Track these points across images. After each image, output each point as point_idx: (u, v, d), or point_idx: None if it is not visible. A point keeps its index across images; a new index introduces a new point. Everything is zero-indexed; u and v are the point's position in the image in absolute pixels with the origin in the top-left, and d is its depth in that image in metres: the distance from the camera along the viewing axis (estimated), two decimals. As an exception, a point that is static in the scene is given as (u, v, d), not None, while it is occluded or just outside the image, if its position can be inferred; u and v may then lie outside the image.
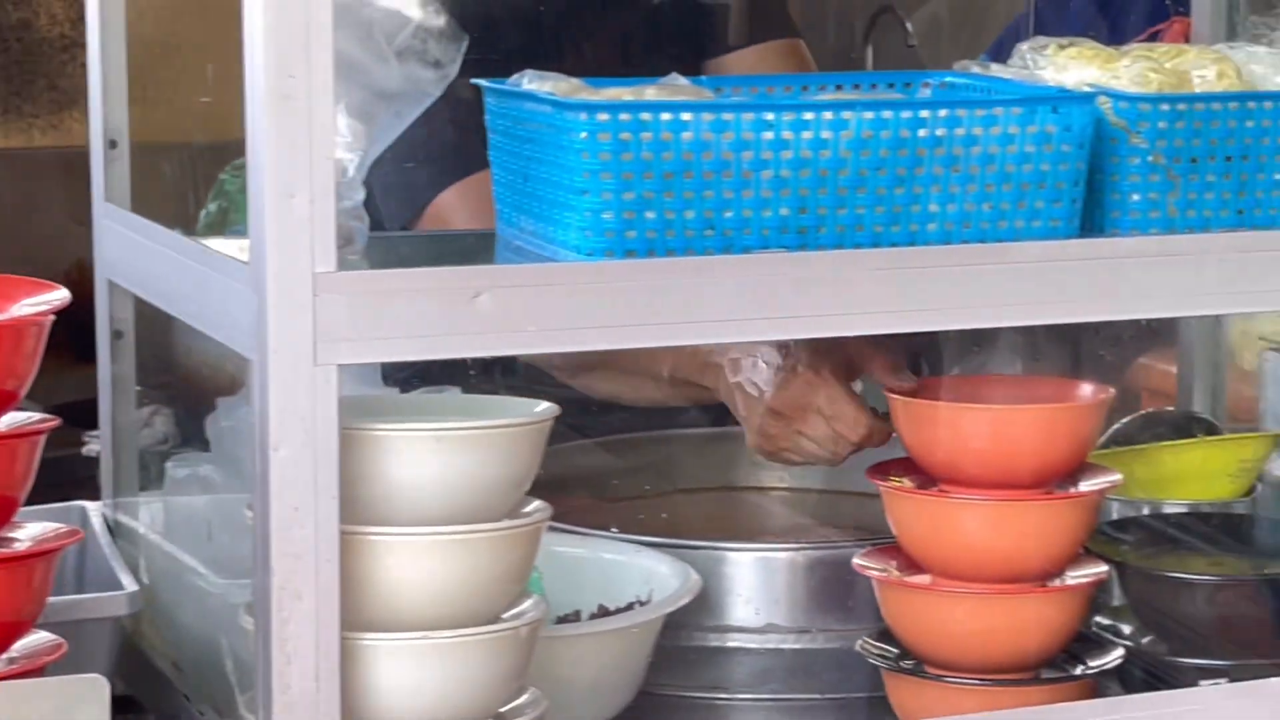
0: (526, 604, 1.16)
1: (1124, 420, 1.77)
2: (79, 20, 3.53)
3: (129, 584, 1.34)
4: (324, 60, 1.00)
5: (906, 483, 1.40)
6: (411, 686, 1.12)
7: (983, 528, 1.36)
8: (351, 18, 1.11)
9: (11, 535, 1.11)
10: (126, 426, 1.58)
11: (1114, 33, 2.64)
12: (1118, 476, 1.41)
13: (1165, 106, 1.21)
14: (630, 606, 1.43)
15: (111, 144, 1.50)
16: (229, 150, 1.37)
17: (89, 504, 1.56)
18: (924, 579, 1.36)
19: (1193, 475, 1.65)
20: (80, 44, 3.55)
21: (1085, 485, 1.36)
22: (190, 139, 1.77)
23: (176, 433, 1.56)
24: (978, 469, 1.30)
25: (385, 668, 1.11)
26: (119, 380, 1.57)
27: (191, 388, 1.53)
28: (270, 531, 1.03)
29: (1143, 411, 1.83)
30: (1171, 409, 1.90)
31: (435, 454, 1.10)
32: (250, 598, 1.11)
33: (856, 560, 1.38)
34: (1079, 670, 1.39)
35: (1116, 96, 1.22)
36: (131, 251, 1.48)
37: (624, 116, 1.07)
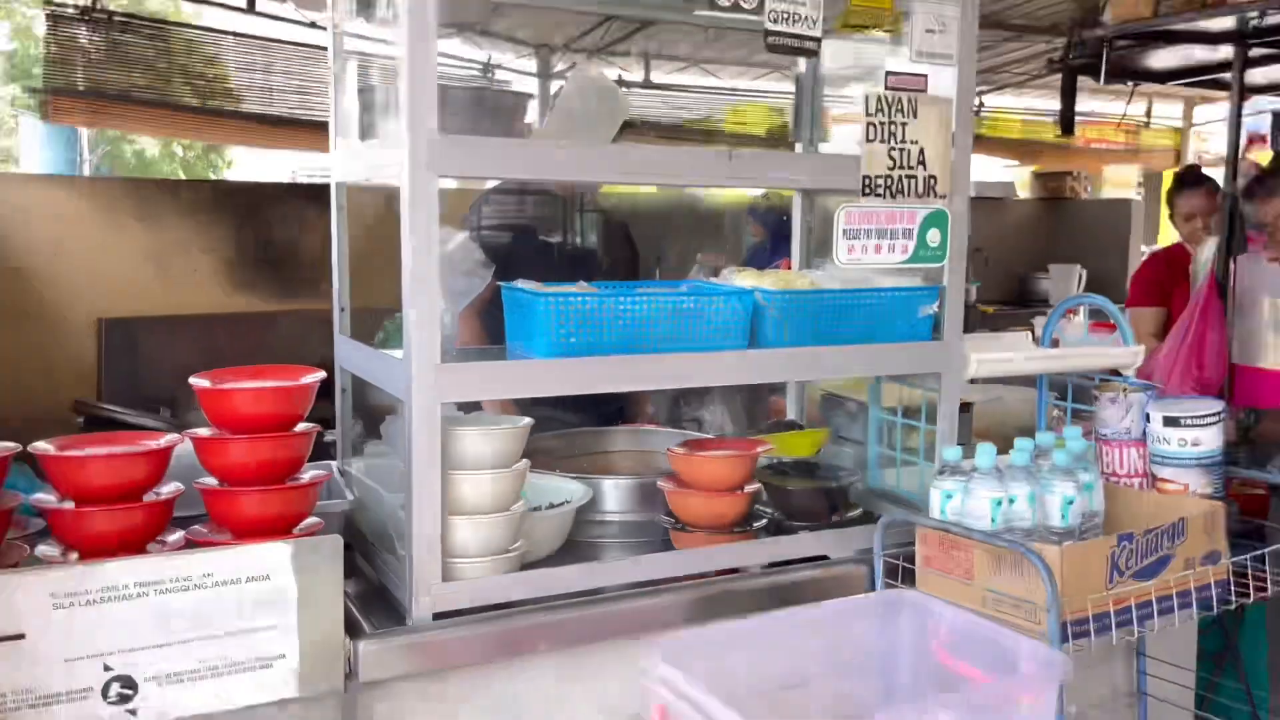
0: (519, 502, 1.83)
1: (768, 423, 2.49)
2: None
3: (349, 497, 1.92)
4: (434, 276, 1.64)
5: (681, 450, 2.05)
6: (470, 538, 1.76)
7: (713, 467, 2.02)
8: (444, 259, 1.70)
9: (301, 475, 1.73)
10: (350, 429, 2.17)
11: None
12: (769, 446, 2.12)
13: (781, 295, 1.94)
14: (563, 503, 2.01)
15: (342, 309, 2.14)
16: (387, 311, 1.97)
17: (331, 462, 2.12)
18: (682, 490, 1.99)
19: (794, 445, 2.31)
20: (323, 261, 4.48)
21: (757, 451, 2.06)
22: (372, 305, 2.23)
23: (364, 433, 2.13)
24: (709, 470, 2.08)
25: (460, 531, 1.75)
26: (343, 410, 2.15)
27: (374, 411, 2.06)
28: (413, 472, 1.66)
29: (774, 420, 2.55)
30: (788, 419, 2.56)
31: (482, 440, 1.78)
32: (402, 501, 1.72)
33: (659, 483, 2.05)
34: (749, 528, 2.04)
35: (764, 292, 1.94)
36: (351, 353, 2.09)
37: (556, 300, 1.79)
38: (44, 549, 1.57)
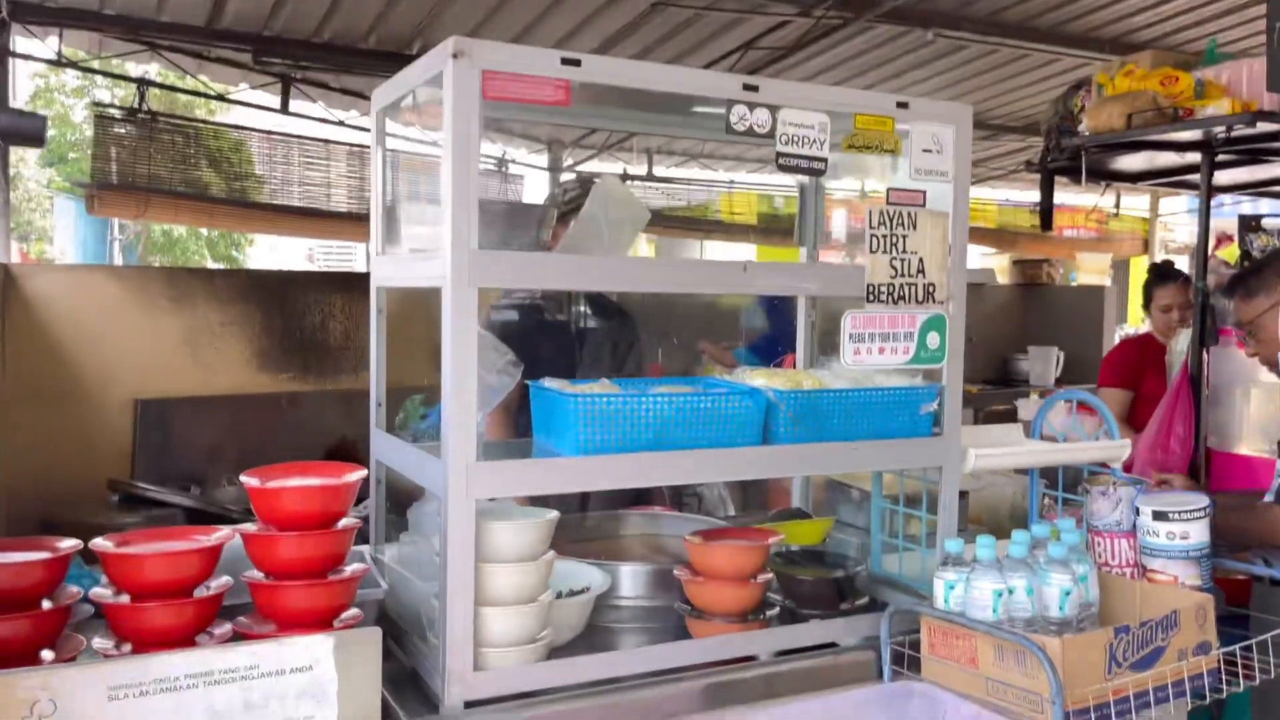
0: (546, 592, 1.82)
1: (775, 511, 2.50)
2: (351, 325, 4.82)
3: (383, 585, 1.89)
4: (472, 379, 1.67)
5: (698, 540, 2.01)
6: (502, 628, 1.75)
7: (728, 555, 1.99)
8: (481, 356, 1.71)
9: (343, 568, 1.71)
10: (383, 518, 2.15)
11: (771, 354, 3.55)
12: (781, 536, 2.13)
13: (792, 394, 1.96)
14: (584, 590, 2.01)
15: (379, 404, 2.11)
16: (403, 391, 1.99)
17: (364, 548, 2.08)
18: (699, 579, 1.96)
19: (802, 534, 2.31)
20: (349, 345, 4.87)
21: (770, 540, 2.03)
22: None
23: (396, 520, 2.12)
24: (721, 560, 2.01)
25: (492, 621, 1.74)
26: (378, 501, 2.14)
27: (402, 498, 2.07)
28: (447, 565, 1.67)
29: (781, 508, 2.55)
30: (795, 507, 2.57)
31: (514, 533, 1.79)
32: (436, 590, 1.72)
33: (675, 570, 2.04)
34: (762, 615, 2.00)
35: (776, 391, 1.96)
36: (388, 446, 2.08)
37: (585, 401, 1.80)
38: (99, 641, 1.57)
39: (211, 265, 16.96)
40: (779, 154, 1.93)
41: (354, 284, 5.40)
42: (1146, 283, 4.45)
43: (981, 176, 9.42)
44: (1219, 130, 3.19)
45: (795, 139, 1.93)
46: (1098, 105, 3.53)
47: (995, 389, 7.59)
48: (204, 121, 5.97)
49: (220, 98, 5.73)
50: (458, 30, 5.39)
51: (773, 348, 4.06)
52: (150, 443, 4.66)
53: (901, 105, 2.05)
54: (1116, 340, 6.55)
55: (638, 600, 2.16)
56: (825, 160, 1.97)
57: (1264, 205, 4.74)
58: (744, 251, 12.13)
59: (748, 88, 1.89)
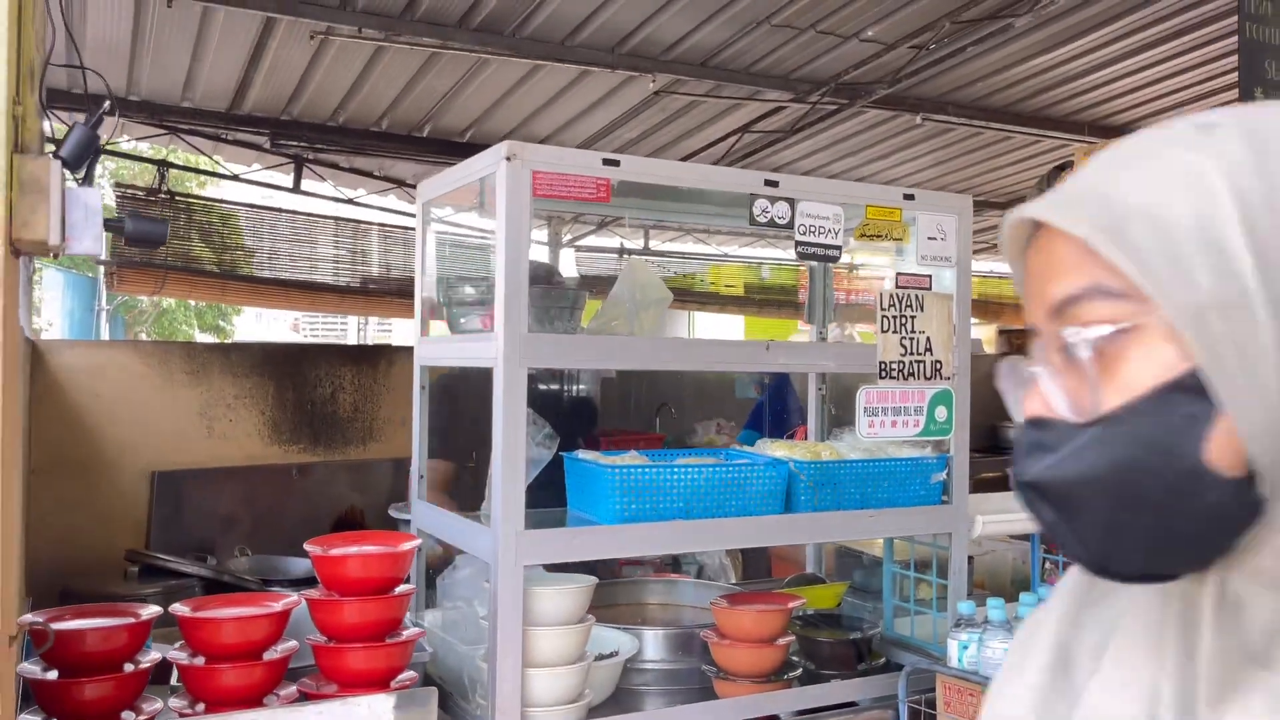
0: (588, 656, 1.95)
1: (791, 577, 2.61)
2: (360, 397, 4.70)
3: (428, 650, 1.97)
4: (521, 453, 1.81)
5: (724, 604, 2.12)
6: (547, 688, 1.86)
7: (754, 618, 2.07)
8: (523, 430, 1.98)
9: (400, 632, 1.82)
10: (421, 586, 2.23)
11: (780, 425, 3.67)
12: (803, 600, 2.23)
13: (812, 465, 2.12)
14: (613, 654, 2.11)
15: (421, 477, 2.23)
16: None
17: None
18: (726, 642, 2.07)
19: (818, 598, 2.42)
20: (357, 417, 4.70)
21: (790, 605, 2.14)
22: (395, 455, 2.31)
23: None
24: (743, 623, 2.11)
25: (538, 682, 1.85)
26: (420, 569, 2.24)
27: (441, 566, 2.18)
28: (498, 629, 1.79)
29: (795, 575, 2.67)
30: (808, 573, 2.69)
31: (556, 597, 1.90)
32: (484, 652, 1.85)
33: (702, 633, 2.14)
34: (785, 676, 2.11)
35: (796, 462, 2.12)
36: (433, 516, 2.19)
37: (620, 471, 1.97)
38: (175, 702, 1.66)
39: (199, 336, 17.12)
40: (798, 243, 2.09)
41: (363, 357, 5.53)
42: None
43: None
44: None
45: (812, 229, 2.09)
46: (1082, 189, 3.73)
47: (985, 457, 7.71)
48: (221, 201, 6.14)
49: (235, 178, 5.91)
50: (467, 117, 5.63)
51: (763, 417, 4.19)
52: (165, 514, 4.73)
53: (908, 197, 2.22)
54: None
55: (661, 664, 2.24)
56: (840, 248, 2.13)
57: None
58: (732, 321, 12.34)
59: (769, 183, 2.06)
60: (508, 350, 1.79)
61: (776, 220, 2.07)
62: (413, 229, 2.41)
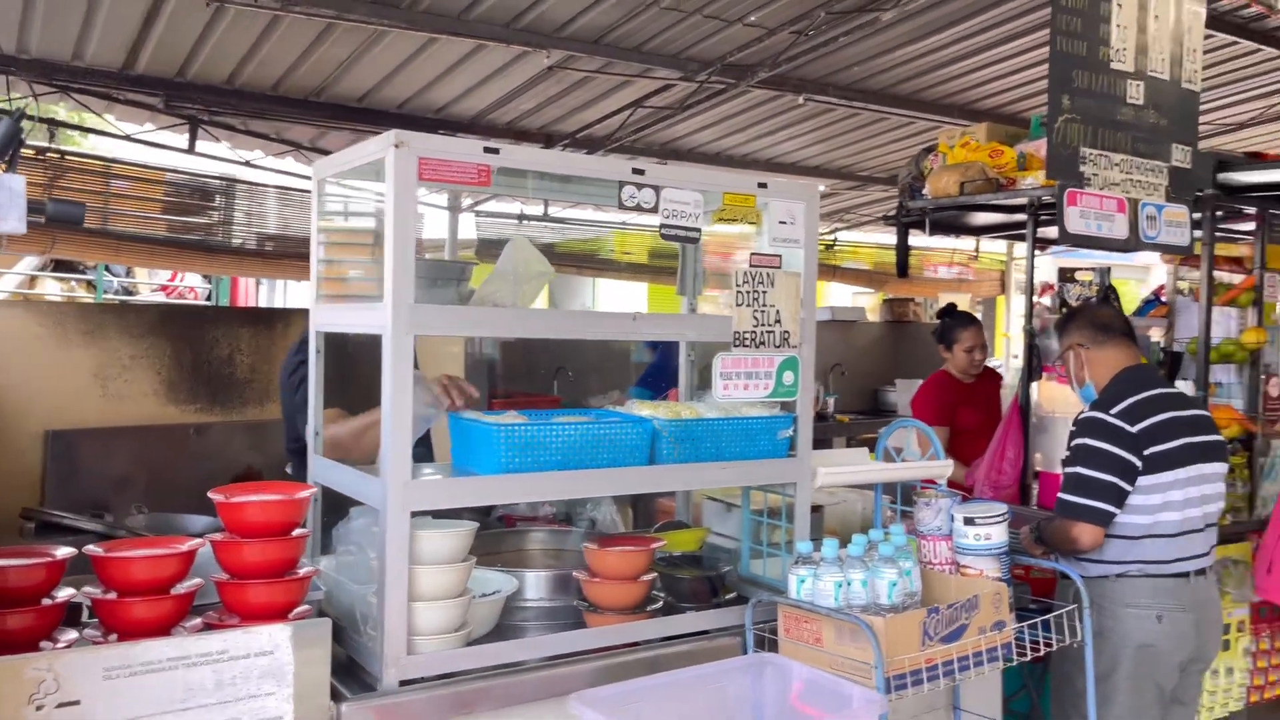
0: (467, 592, 2.16)
1: (660, 524, 2.87)
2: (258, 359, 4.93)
3: (321, 589, 2.17)
4: (407, 412, 2.04)
5: (594, 546, 2.36)
6: (430, 619, 2.06)
7: (619, 558, 2.33)
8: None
9: (297, 570, 2.05)
10: (317, 533, 2.39)
11: (666, 386, 3.91)
12: (663, 541, 2.49)
13: (673, 422, 2.37)
14: (495, 593, 2.31)
15: (316, 433, 2.40)
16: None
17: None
18: (596, 580, 2.32)
19: (681, 541, 2.67)
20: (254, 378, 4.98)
21: (654, 545, 2.40)
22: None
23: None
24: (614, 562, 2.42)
25: (421, 613, 2.05)
26: (316, 517, 2.41)
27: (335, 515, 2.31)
28: (386, 567, 1.99)
29: (664, 521, 2.94)
30: (677, 519, 2.95)
31: (439, 539, 2.11)
32: (372, 591, 2.06)
33: (575, 573, 2.38)
34: (647, 609, 2.36)
35: (659, 420, 2.35)
36: (328, 470, 2.34)
37: (506, 429, 2.21)
38: (90, 632, 1.84)
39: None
40: (662, 225, 2.34)
41: (260, 319, 5.63)
42: (947, 325, 4.92)
43: (853, 223, 10.11)
44: (1037, 196, 3.76)
45: (675, 213, 2.34)
46: (937, 174, 4.08)
47: (866, 418, 8.19)
48: (113, 160, 6.09)
49: (128, 138, 5.87)
50: (364, 84, 5.71)
51: (661, 377, 4.46)
52: (60, 472, 4.78)
53: (762, 185, 2.49)
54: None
55: (540, 602, 2.49)
56: (699, 230, 2.39)
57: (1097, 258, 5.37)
58: (635, 288, 12.59)
59: (636, 171, 2.29)
60: (395, 319, 2.00)
61: (643, 205, 2.31)
62: (309, 191, 2.57)
